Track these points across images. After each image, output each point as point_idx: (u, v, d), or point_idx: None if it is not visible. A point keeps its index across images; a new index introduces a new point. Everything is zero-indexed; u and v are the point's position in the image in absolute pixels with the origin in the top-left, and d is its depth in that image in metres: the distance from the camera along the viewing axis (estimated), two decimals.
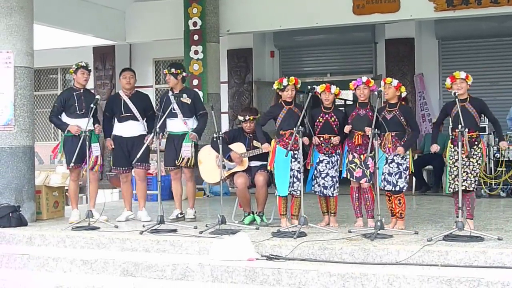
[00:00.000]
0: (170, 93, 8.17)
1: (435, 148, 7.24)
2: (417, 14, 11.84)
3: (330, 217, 7.62)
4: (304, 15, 12.34)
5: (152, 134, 7.72)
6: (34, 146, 8.75)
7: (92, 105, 8.20)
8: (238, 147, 7.96)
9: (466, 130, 6.60)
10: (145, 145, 7.95)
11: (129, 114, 8.40)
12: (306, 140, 7.31)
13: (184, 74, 8.37)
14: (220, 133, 7.77)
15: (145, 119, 8.47)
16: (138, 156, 7.81)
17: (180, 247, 6.88)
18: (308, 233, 6.90)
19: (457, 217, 6.76)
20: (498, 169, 10.97)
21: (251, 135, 8.04)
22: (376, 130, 6.81)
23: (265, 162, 7.71)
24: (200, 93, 12.44)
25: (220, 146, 7.60)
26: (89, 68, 8.66)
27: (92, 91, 14.16)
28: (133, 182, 8.97)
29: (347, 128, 7.30)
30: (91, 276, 6.65)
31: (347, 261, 6.14)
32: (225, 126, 13.85)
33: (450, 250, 5.95)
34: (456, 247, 6.01)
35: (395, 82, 7.22)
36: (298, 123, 7.03)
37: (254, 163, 7.93)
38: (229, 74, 14.69)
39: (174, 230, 7.39)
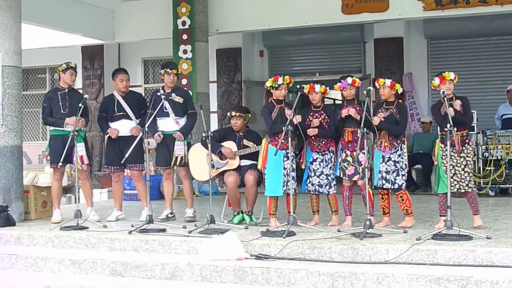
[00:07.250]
0: (160, 92, 8.12)
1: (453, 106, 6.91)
2: (406, 13, 11.85)
3: (332, 215, 7.58)
4: (293, 15, 12.34)
5: (141, 133, 7.70)
6: (22, 145, 8.71)
7: (80, 104, 8.15)
8: (229, 146, 7.95)
9: (455, 129, 6.60)
10: (134, 143, 7.82)
11: (122, 113, 8.35)
12: (299, 117, 7.31)
13: (178, 73, 8.41)
14: (210, 132, 7.76)
15: (139, 119, 8.39)
16: (126, 155, 7.74)
17: (169, 246, 6.87)
18: (297, 232, 6.89)
19: (442, 214, 6.79)
20: (487, 168, 11.01)
21: (241, 134, 8.04)
22: (365, 129, 6.81)
23: (255, 162, 7.72)
24: (190, 93, 12.48)
25: (209, 145, 7.59)
26: (76, 70, 8.66)
27: (81, 90, 14.12)
28: (124, 182, 8.93)
29: (344, 112, 7.23)
30: (80, 276, 6.62)
31: (336, 260, 6.13)
32: (214, 126, 13.82)
33: (439, 249, 5.96)
34: (445, 246, 6.02)
35: (388, 82, 7.19)
36: (288, 123, 7.04)
37: (244, 162, 7.93)
38: (218, 74, 14.68)
39: (163, 230, 7.37)
